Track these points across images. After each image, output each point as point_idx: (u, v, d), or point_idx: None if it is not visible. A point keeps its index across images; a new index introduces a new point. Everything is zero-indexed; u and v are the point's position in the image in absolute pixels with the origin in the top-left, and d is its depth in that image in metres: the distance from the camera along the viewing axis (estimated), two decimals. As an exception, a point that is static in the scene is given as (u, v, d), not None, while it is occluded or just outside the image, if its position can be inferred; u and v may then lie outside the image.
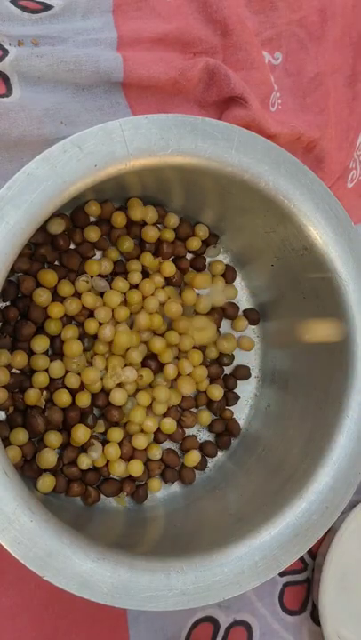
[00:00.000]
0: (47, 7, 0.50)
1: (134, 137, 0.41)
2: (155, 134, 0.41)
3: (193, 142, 0.42)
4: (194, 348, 0.52)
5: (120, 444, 0.49)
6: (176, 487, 0.52)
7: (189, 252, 0.54)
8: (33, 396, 0.46)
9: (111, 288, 0.49)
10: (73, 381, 0.47)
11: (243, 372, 0.55)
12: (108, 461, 0.49)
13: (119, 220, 0.50)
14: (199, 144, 0.42)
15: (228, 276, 0.55)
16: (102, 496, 0.49)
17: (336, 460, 0.44)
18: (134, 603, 0.38)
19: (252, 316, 0.56)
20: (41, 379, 0.47)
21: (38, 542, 0.37)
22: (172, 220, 0.52)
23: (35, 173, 0.39)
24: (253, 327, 0.56)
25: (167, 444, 0.52)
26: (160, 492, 0.51)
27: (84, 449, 0.48)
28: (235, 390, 0.55)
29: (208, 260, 0.54)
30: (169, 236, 0.52)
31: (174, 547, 0.43)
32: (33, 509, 0.38)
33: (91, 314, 0.49)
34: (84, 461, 0.47)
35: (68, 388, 0.48)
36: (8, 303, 0.48)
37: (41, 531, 0.37)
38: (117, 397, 0.48)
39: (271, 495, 0.46)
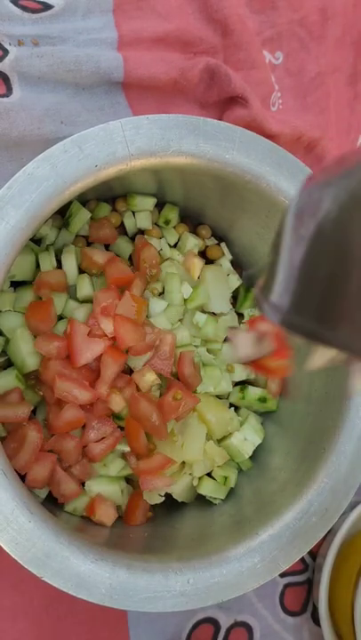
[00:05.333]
0: (47, 7, 0.50)
1: (135, 137, 0.41)
2: (156, 134, 0.41)
3: (194, 143, 0.42)
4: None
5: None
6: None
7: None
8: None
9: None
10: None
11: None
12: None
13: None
14: (201, 145, 0.42)
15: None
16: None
17: (336, 461, 0.44)
18: (133, 604, 0.38)
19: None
20: None
21: (37, 543, 0.37)
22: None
23: (35, 173, 0.39)
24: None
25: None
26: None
27: None
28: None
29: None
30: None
31: (173, 548, 0.43)
32: (32, 510, 0.38)
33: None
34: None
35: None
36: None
37: (39, 531, 0.37)
38: None
39: (270, 497, 0.46)
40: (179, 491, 0.49)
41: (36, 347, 0.44)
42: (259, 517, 0.43)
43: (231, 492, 0.50)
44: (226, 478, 0.50)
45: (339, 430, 0.44)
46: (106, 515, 0.46)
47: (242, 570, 0.41)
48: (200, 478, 0.50)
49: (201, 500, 0.50)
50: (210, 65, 0.51)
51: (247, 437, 0.51)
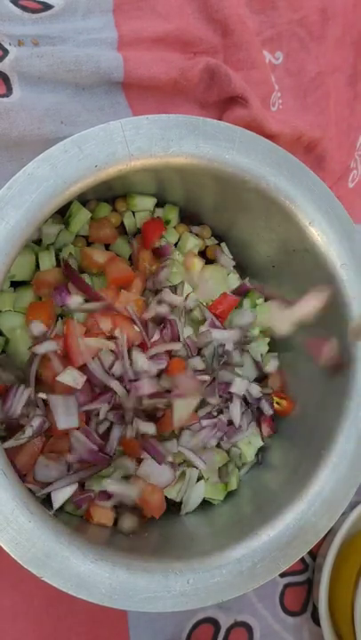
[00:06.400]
0: (47, 7, 0.50)
1: (135, 137, 0.41)
2: (156, 135, 0.41)
3: (194, 143, 0.42)
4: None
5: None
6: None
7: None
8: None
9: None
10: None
11: None
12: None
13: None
14: (200, 145, 0.42)
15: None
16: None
17: (336, 461, 0.44)
18: (132, 604, 0.38)
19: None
20: None
21: (36, 543, 0.37)
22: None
23: (35, 173, 0.39)
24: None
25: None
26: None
27: None
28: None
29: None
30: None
31: (173, 548, 0.43)
32: (32, 510, 0.38)
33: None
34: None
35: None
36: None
37: (39, 531, 0.37)
38: None
39: (270, 497, 0.46)
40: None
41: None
42: (259, 517, 0.43)
43: (231, 492, 0.50)
44: (226, 485, 0.50)
45: (339, 430, 0.44)
46: (105, 516, 0.46)
47: (242, 570, 0.41)
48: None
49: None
50: (210, 65, 0.51)
51: (251, 441, 0.51)
